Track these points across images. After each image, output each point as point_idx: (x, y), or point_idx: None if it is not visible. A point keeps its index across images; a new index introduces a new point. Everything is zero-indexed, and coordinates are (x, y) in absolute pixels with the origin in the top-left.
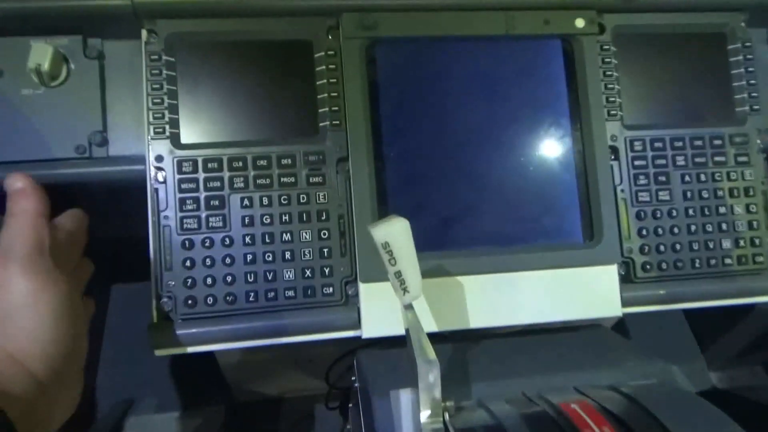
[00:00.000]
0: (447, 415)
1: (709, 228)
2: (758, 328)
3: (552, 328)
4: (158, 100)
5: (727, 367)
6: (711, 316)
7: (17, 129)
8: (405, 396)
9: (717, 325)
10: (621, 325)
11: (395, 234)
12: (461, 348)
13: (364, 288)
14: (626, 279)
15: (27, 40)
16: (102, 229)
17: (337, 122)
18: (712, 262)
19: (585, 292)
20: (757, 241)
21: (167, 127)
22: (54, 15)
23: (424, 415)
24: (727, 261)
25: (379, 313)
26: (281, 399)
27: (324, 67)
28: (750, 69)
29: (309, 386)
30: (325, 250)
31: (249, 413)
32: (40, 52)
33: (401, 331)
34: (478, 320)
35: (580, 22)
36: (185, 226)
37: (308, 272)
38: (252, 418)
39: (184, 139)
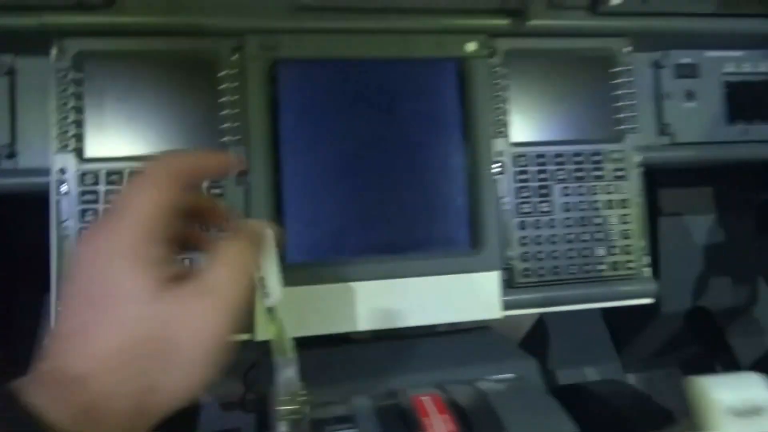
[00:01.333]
0: (308, 408)
1: (586, 237)
2: (668, 332)
3: (446, 331)
4: (64, 115)
5: (644, 369)
6: (625, 320)
7: None
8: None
9: (631, 329)
10: (541, 326)
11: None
12: (347, 350)
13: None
14: (509, 284)
15: None
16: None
17: (239, 137)
18: (588, 268)
19: (469, 296)
20: (630, 250)
21: (73, 141)
22: None
23: (281, 406)
24: (602, 267)
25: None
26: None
27: (227, 85)
28: (630, 91)
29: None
30: None
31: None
32: None
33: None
34: (370, 323)
35: (471, 46)
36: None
37: None
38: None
39: (88, 153)
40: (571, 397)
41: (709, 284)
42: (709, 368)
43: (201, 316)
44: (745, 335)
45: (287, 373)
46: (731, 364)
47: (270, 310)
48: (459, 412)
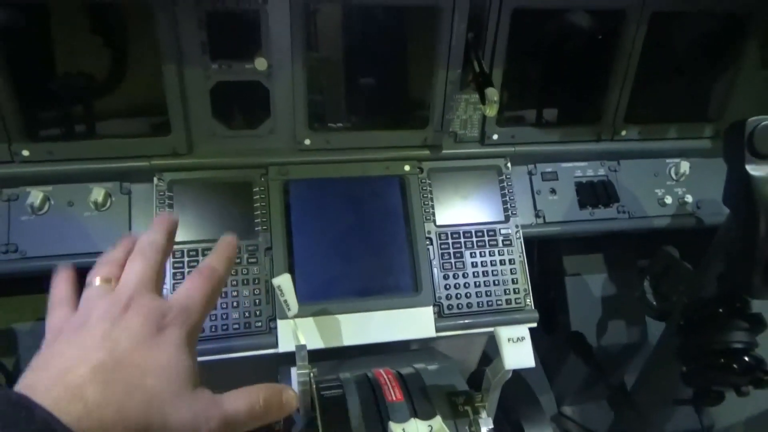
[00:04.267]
0: (312, 375)
1: (488, 283)
2: (595, 366)
3: (402, 349)
4: None
5: (575, 402)
6: (557, 355)
7: (82, 234)
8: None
9: (562, 362)
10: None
11: (281, 281)
12: (336, 355)
13: (280, 322)
14: (439, 315)
15: (88, 185)
16: None
17: (266, 228)
18: (490, 303)
19: (413, 322)
20: (517, 290)
21: None
22: (105, 173)
23: (298, 370)
24: (499, 302)
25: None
26: None
27: (258, 195)
28: (511, 190)
29: None
30: (257, 300)
31: None
32: (96, 192)
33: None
34: (346, 340)
35: (407, 167)
36: (176, 287)
37: (246, 313)
38: None
39: (178, 238)
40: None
41: (603, 324)
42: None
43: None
44: (617, 357)
45: (302, 353)
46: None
47: (291, 319)
48: (402, 381)
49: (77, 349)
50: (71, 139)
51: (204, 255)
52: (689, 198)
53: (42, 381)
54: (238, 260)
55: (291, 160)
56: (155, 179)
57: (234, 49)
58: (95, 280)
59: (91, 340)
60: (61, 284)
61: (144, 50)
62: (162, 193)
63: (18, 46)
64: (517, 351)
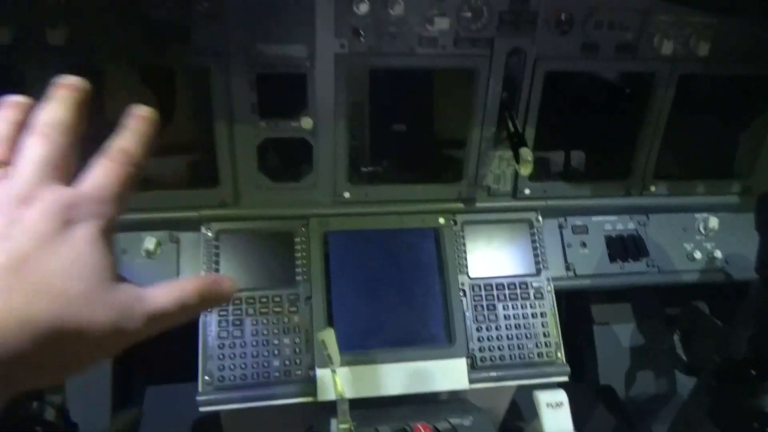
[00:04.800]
0: (352, 429)
1: (520, 336)
2: (625, 422)
3: (434, 398)
4: (209, 265)
5: None
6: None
7: (134, 280)
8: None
9: (591, 415)
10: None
11: (325, 335)
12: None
13: (319, 371)
14: (472, 366)
15: (140, 234)
16: None
17: (306, 277)
18: (522, 355)
19: (447, 373)
20: (548, 343)
21: None
22: (157, 222)
23: (340, 424)
24: (531, 355)
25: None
26: None
27: (299, 246)
28: (542, 243)
29: None
30: (297, 348)
31: None
32: (148, 241)
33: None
34: (381, 390)
35: (442, 220)
36: (220, 335)
37: (287, 362)
38: None
39: None
40: None
41: (632, 375)
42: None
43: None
44: (646, 410)
45: (343, 407)
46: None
47: (333, 372)
48: None
49: None
50: None
51: (248, 303)
52: (718, 253)
53: None
54: (279, 309)
55: (331, 212)
56: (203, 229)
57: (282, 108)
58: None
59: None
60: None
61: (197, 108)
62: (209, 242)
63: None
64: (556, 416)
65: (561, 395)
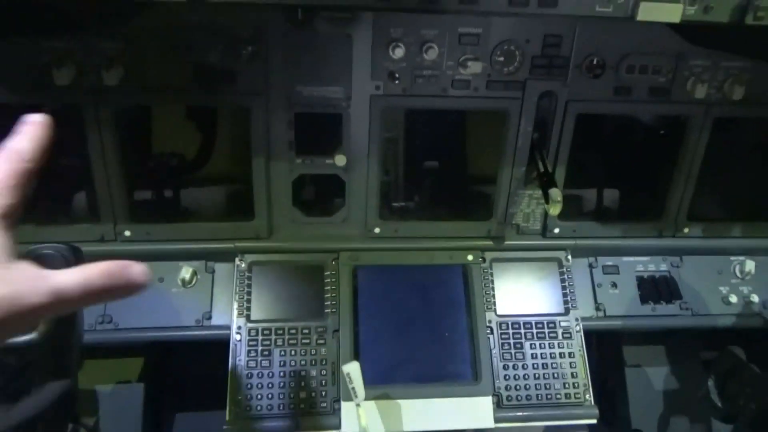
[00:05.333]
0: None
1: (547, 376)
2: None
3: None
4: (242, 296)
5: None
6: None
7: (169, 308)
8: None
9: None
10: None
11: (351, 369)
12: None
13: (344, 404)
14: (498, 405)
15: (178, 263)
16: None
17: (334, 310)
18: (549, 395)
19: (472, 411)
20: (576, 384)
21: (244, 310)
22: (194, 253)
23: None
24: (558, 396)
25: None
26: None
27: (329, 279)
28: (571, 283)
29: None
30: (323, 380)
31: None
32: (184, 270)
33: None
34: (406, 426)
35: (470, 257)
36: (249, 363)
37: (313, 393)
38: None
39: (254, 317)
40: None
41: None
42: None
43: None
44: None
45: None
46: None
47: (358, 405)
48: None
49: None
50: (167, 221)
51: (277, 335)
52: (755, 297)
53: None
54: (307, 341)
55: (361, 246)
56: (237, 260)
57: (317, 146)
58: None
59: None
60: None
61: (237, 144)
62: (242, 273)
63: (126, 136)
64: None
65: None
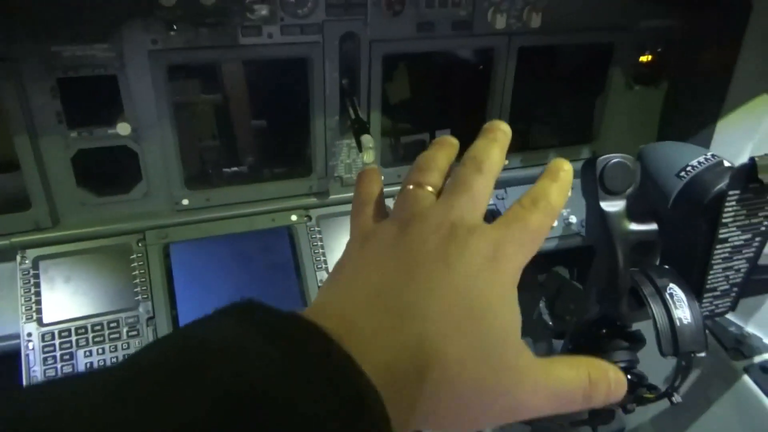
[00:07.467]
0: None
1: None
2: None
3: None
4: (26, 300)
5: None
6: None
7: None
8: None
9: None
10: None
11: None
12: None
13: None
14: None
15: None
16: None
17: (146, 296)
18: None
19: None
20: None
21: (34, 313)
22: None
23: None
24: None
25: None
26: None
27: (136, 263)
28: None
29: None
30: None
31: None
32: None
33: None
34: None
35: (294, 217)
36: (46, 373)
37: None
38: None
39: (47, 320)
40: None
41: None
42: None
43: None
44: None
45: None
46: None
47: None
48: None
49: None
50: None
51: (78, 334)
52: (573, 218)
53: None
54: (117, 335)
55: (169, 222)
56: (18, 258)
57: (93, 116)
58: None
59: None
60: (372, 184)
61: None
62: (27, 272)
63: None
64: None
65: None
